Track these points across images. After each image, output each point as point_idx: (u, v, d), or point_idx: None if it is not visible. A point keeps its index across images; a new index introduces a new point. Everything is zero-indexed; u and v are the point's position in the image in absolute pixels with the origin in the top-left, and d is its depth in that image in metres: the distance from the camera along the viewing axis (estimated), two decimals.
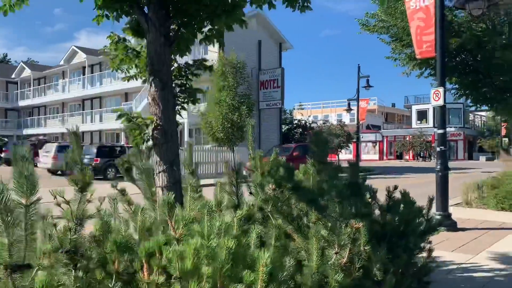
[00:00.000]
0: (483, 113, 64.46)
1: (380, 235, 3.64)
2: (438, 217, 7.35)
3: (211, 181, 17.43)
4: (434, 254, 5.89)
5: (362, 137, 60.93)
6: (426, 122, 55.40)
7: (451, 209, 9.86)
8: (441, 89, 7.33)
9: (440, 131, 7.45)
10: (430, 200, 4.59)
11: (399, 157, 56.73)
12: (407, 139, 53.75)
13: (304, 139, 28.37)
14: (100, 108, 34.78)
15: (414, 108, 57.62)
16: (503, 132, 54.57)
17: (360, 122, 26.25)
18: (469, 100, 12.01)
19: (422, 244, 3.99)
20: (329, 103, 70.57)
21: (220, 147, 21.95)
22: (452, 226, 7.32)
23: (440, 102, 7.36)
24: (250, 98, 21.08)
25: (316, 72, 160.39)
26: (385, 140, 59.73)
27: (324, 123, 27.91)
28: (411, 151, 53.65)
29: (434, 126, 54.81)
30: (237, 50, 26.46)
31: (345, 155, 64.48)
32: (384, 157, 59.13)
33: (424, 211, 4.42)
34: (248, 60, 27.86)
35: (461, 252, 5.85)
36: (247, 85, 21.11)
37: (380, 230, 3.72)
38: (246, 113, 20.24)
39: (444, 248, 6.03)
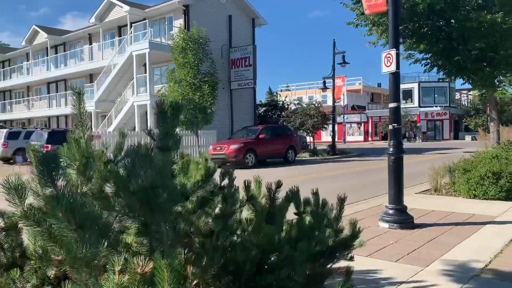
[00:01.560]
0: (469, 92, 63.40)
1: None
2: (390, 211, 5.92)
3: None
4: (370, 266, 4.45)
5: (347, 118, 59.65)
6: (411, 102, 54.16)
7: (416, 198, 8.47)
8: (393, 52, 5.81)
9: (392, 104, 5.96)
10: (341, 201, 3.11)
11: (385, 138, 55.56)
12: None
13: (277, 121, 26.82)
14: (66, 91, 32.81)
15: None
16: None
17: (337, 101, 24.76)
18: (441, 72, 10.53)
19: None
20: (313, 84, 68.85)
21: (186, 130, 20.33)
22: (407, 222, 5.89)
23: (392, 67, 5.85)
24: (214, 76, 19.40)
25: (304, 54, 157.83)
26: (370, 121, 58.43)
27: (298, 103, 26.27)
28: None
29: (419, 106, 53.62)
30: (206, 25, 24.71)
31: (328, 137, 63.37)
32: (370, 138, 57.92)
33: (332, 217, 2.97)
34: (218, 36, 26.07)
35: (407, 262, 4.41)
36: (211, 63, 19.39)
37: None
38: (208, 93, 18.59)
39: (386, 256, 4.59)
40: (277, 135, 19.25)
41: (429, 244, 5.05)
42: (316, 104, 23.82)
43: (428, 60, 10.42)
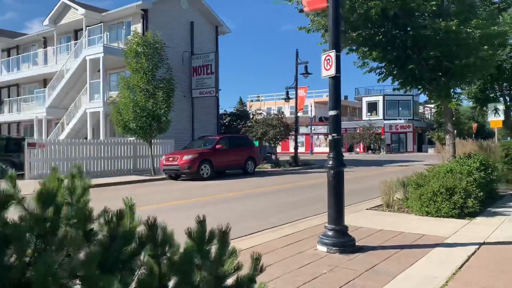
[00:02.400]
0: (432, 105, 64.79)
1: None
2: (329, 232, 5.23)
3: (127, 178, 14.64)
4: None
5: (314, 129, 59.75)
6: (376, 114, 54.70)
7: (366, 215, 7.86)
8: (332, 54, 5.17)
9: (332, 112, 5.31)
10: (223, 235, 2.33)
11: (350, 149, 55.82)
12: (358, 131, 52.84)
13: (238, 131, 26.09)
14: (18, 96, 31.04)
15: (365, 100, 56.83)
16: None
17: (299, 112, 24.30)
18: (396, 82, 10.06)
19: None
20: (282, 95, 68.63)
21: (139, 139, 19.28)
22: (347, 245, 5.21)
23: (332, 71, 5.20)
24: (171, 83, 18.49)
25: (277, 65, 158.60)
26: None
27: (259, 114, 25.65)
28: (361, 144, 52.79)
29: (384, 118, 54.21)
30: (166, 31, 23.84)
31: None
32: None
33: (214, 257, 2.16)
34: (179, 43, 25.25)
35: None
36: (167, 69, 18.49)
37: None
38: (163, 100, 17.66)
39: None
40: (236, 146, 18.49)
41: (367, 274, 4.36)
42: (279, 115, 23.24)
43: (383, 69, 9.91)
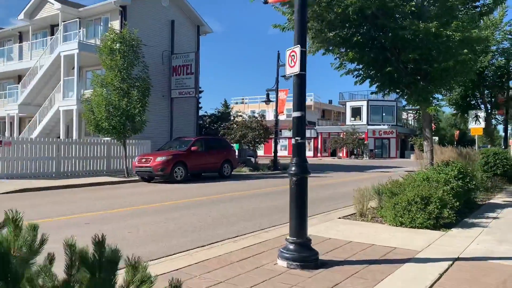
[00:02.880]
0: (404, 107, 65.18)
1: None
2: (291, 246, 4.75)
3: (97, 179, 13.96)
4: None
5: None
6: (360, 119, 54.72)
7: (337, 224, 7.40)
8: (297, 49, 4.71)
9: (296, 114, 4.84)
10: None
11: (333, 154, 55.72)
12: (341, 136, 52.76)
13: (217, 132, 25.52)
14: None
15: (349, 104, 56.83)
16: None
17: (280, 115, 23.88)
18: (374, 86, 9.66)
19: None
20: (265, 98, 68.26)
21: (113, 139, 18.58)
22: (310, 260, 4.72)
23: (296, 68, 4.74)
24: (147, 81, 17.86)
25: (264, 68, 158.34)
26: (319, 136, 58.52)
27: (239, 116, 25.10)
28: (344, 149, 52.71)
29: (367, 123, 54.26)
30: (145, 28, 23.20)
31: (279, 151, 62.70)
32: (319, 154, 57.92)
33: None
34: (159, 41, 24.63)
35: None
36: (143, 67, 17.87)
37: None
38: (137, 99, 17.02)
39: None
40: (212, 148, 17.94)
41: None
42: (258, 117, 22.76)
43: (361, 71, 9.51)
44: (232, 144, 20.64)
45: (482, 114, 18.41)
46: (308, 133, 59.95)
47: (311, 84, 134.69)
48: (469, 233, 6.72)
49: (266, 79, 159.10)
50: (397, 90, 9.78)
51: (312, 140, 59.54)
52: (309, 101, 67.82)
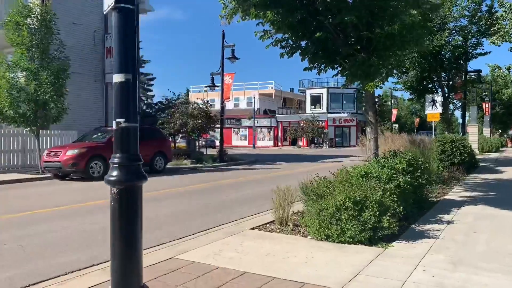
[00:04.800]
0: (376, 99, 64.81)
1: None
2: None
3: (6, 176, 11.29)
4: None
5: (257, 122, 57.62)
6: (320, 108, 53.48)
7: (242, 240, 5.45)
8: None
9: (118, 77, 2.85)
10: None
11: (293, 143, 54.33)
12: (301, 124, 51.36)
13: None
14: None
15: (308, 92, 55.42)
16: (393, 117, 54.64)
17: (226, 101, 21.83)
18: (306, 60, 7.75)
19: None
20: (242, 85, 65.93)
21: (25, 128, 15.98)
22: None
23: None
24: (64, 61, 15.32)
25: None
26: (280, 125, 57.00)
27: (184, 103, 22.74)
28: (304, 137, 51.35)
29: (327, 112, 53.07)
30: (73, 4, 20.51)
31: (239, 141, 61.04)
32: (279, 144, 56.42)
33: None
34: (90, 19, 21.91)
35: None
36: (59, 45, 15.32)
37: None
38: (50, 83, 14.51)
39: None
40: (141, 139, 15.48)
41: None
42: (202, 104, 20.59)
43: (290, 41, 7.56)
44: (164, 133, 18.30)
45: (439, 98, 17.06)
46: (268, 122, 58.33)
47: (271, 71, 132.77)
48: (414, 249, 4.96)
49: (248, 69, 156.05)
50: (334, 65, 7.92)
51: (272, 129, 57.98)
52: (269, 89, 66.08)
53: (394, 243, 5.21)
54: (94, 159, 13.49)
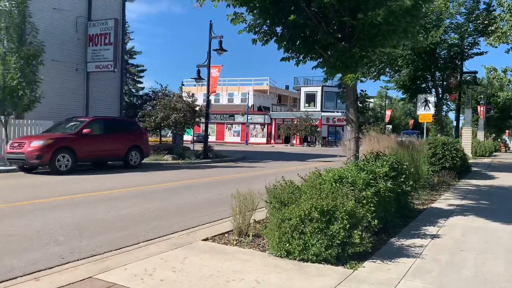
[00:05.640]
0: (371, 100, 64.12)
1: None
2: None
3: None
4: None
5: (251, 118, 56.72)
6: (314, 106, 52.67)
7: (186, 254, 4.56)
8: None
9: None
10: None
11: (286, 141, 53.53)
12: (295, 122, 50.56)
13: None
14: None
15: (303, 90, 54.59)
16: (387, 118, 53.99)
17: (212, 94, 20.93)
18: (282, 49, 6.90)
19: None
20: (236, 80, 65.01)
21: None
22: None
23: None
24: (39, 47, 14.38)
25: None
26: (273, 122, 56.17)
27: (167, 95, 21.71)
28: (297, 135, 50.56)
29: (321, 110, 52.27)
30: None
31: (231, 137, 60.22)
32: (272, 141, 55.62)
33: None
34: (73, 5, 20.93)
35: None
36: (31, 29, 14.38)
37: None
38: (19, 69, 13.59)
39: None
40: (115, 131, 14.78)
41: None
42: (186, 97, 19.67)
43: (264, 27, 6.72)
44: (139, 126, 17.33)
45: (432, 98, 16.26)
46: (261, 119, 57.49)
47: (267, 67, 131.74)
48: (389, 271, 4.16)
49: (228, 61, 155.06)
50: (313, 55, 7.07)
51: (266, 126, 57.16)
52: (264, 86, 65.14)
53: (366, 263, 4.40)
54: (62, 152, 12.58)
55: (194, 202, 8.36)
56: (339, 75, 7.27)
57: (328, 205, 4.58)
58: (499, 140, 53.62)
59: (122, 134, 14.85)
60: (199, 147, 21.99)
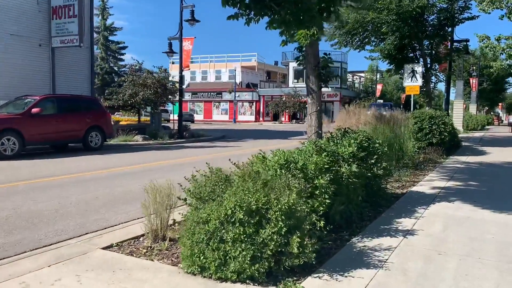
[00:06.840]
0: (362, 74, 62.70)
1: None
2: None
3: None
4: None
5: (238, 96, 55.16)
6: (303, 81, 51.12)
7: (68, 269, 3.37)
8: None
9: None
10: None
11: (275, 118, 52.24)
12: (284, 99, 49.19)
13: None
14: None
15: (291, 65, 52.91)
16: (378, 92, 52.76)
17: (185, 69, 19.48)
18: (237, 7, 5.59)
19: None
20: (206, 57, 63.13)
21: None
22: None
23: None
24: None
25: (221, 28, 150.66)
26: (262, 100, 54.77)
27: (138, 70, 20.14)
28: (286, 112, 49.26)
29: None
30: None
31: (219, 116, 58.77)
32: (261, 118, 54.31)
33: None
34: None
35: None
36: None
37: None
38: None
39: None
40: (71, 110, 13.42)
41: None
42: (158, 73, 18.22)
43: None
44: (102, 105, 15.98)
45: (419, 69, 15.00)
46: (250, 96, 56.01)
47: (255, 42, 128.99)
48: None
49: (220, 39, 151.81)
50: (265, 11, 5.75)
51: (254, 103, 55.79)
52: (252, 62, 63.29)
53: (308, 279, 3.24)
54: (6, 134, 11.25)
55: (129, 192, 7.12)
56: None
57: (259, 201, 3.38)
58: (492, 113, 52.67)
59: (79, 113, 13.50)
60: (193, 127, 20.63)
